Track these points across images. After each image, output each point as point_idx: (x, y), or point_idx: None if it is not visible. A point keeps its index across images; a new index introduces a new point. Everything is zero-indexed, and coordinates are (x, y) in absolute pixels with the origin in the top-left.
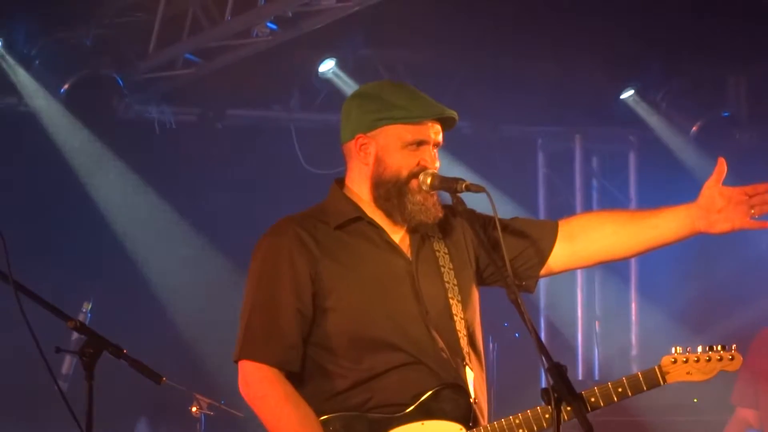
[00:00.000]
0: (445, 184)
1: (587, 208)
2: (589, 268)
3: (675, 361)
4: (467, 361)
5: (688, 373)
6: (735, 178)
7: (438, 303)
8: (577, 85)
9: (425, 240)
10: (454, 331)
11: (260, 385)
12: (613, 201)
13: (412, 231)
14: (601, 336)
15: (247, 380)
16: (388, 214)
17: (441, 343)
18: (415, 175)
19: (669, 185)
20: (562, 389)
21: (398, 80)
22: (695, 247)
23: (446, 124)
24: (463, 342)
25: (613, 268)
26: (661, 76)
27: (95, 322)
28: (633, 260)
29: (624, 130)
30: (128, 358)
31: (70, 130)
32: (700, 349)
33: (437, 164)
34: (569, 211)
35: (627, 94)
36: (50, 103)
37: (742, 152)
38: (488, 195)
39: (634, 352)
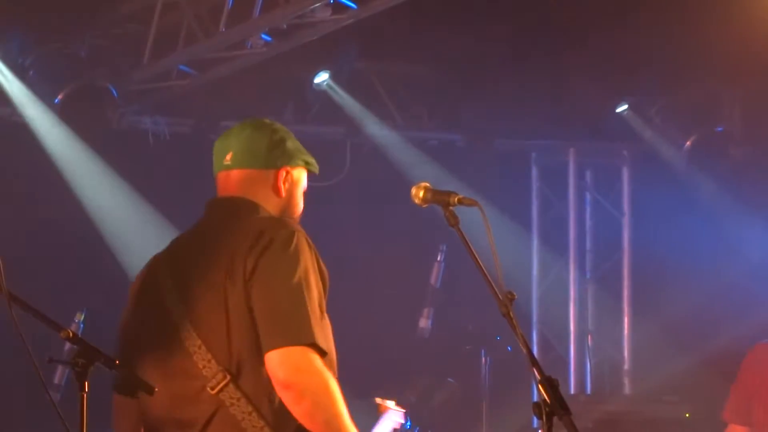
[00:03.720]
0: (438, 197)
1: (580, 221)
2: (582, 283)
3: None
4: None
5: None
6: (729, 193)
7: None
8: (571, 100)
9: None
10: None
11: (326, 373)
12: (606, 215)
13: None
14: (594, 350)
15: (313, 367)
16: None
17: None
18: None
19: (662, 200)
20: (554, 403)
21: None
22: (688, 261)
23: None
24: None
25: (605, 283)
26: (655, 91)
27: (88, 332)
28: (625, 275)
29: (618, 144)
30: (121, 370)
31: (64, 141)
32: None
33: None
34: (563, 225)
35: (621, 109)
36: (44, 113)
37: (735, 167)
38: (481, 209)
39: (626, 366)
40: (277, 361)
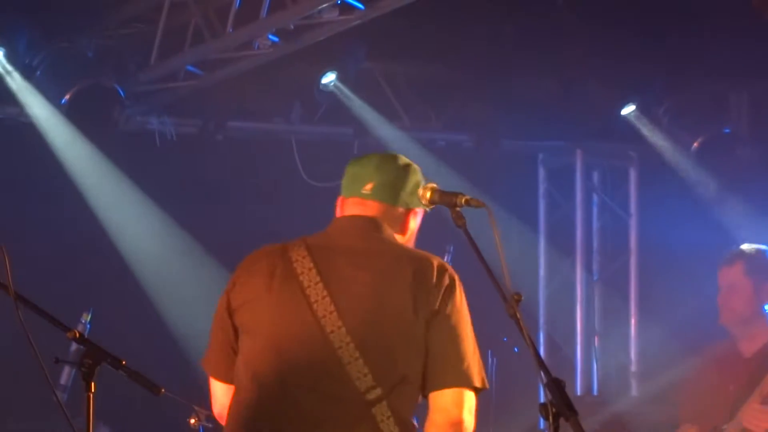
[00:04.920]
0: (445, 198)
1: (587, 223)
2: (589, 284)
3: None
4: None
5: None
6: (736, 194)
7: None
8: (578, 101)
9: None
10: None
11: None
12: (613, 216)
13: None
14: (600, 351)
15: (475, 411)
16: None
17: None
18: None
19: (669, 201)
20: (561, 404)
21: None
22: (695, 262)
23: None
24: None
25: (612, 284)
26: (662, 91)
27: (94, 333)
28: (633, 276)
29: (625, 145)
30: (127, 370)
31: (71, 141)
32: None
33: None
34: (570, 226)
35: (628, 110)
36: (51, 113)
37: (743, 168)
38: (488, 210)
39: (633, 368)
40: (454, 400)
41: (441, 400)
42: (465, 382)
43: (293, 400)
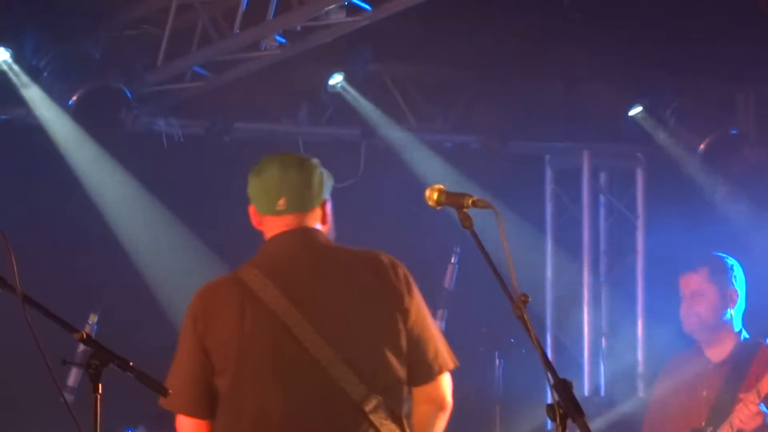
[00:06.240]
0: (452, 199)
1: (595, 224)
2: (596, 285)
3: None
4: None
5: None
6: (743, 195)
7: None
8: (585, 102)
9: None
10: None
11: None
12: (620, 217)
13: None
14: (608, 352)
15: (451, 388)
16: None
17: None
18: None
19: (676, 202)
20: (568, 405)
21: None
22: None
23: None
24: None
25: (619, 285)
26: (669, 93)
27: (101, 334)
28: (639, 277)
29: (632, 146)
30: (135, 371)
31: (78, 142)
32: None
33: None
34: (576, 227)
35: (635, 111)
36: (58, 114)
37: (750, 169)
38: (495, 211)
39: (640, 369)
40: (438, 388)
41: (426, 391)
42: (443, 368)
43: (297, 426)
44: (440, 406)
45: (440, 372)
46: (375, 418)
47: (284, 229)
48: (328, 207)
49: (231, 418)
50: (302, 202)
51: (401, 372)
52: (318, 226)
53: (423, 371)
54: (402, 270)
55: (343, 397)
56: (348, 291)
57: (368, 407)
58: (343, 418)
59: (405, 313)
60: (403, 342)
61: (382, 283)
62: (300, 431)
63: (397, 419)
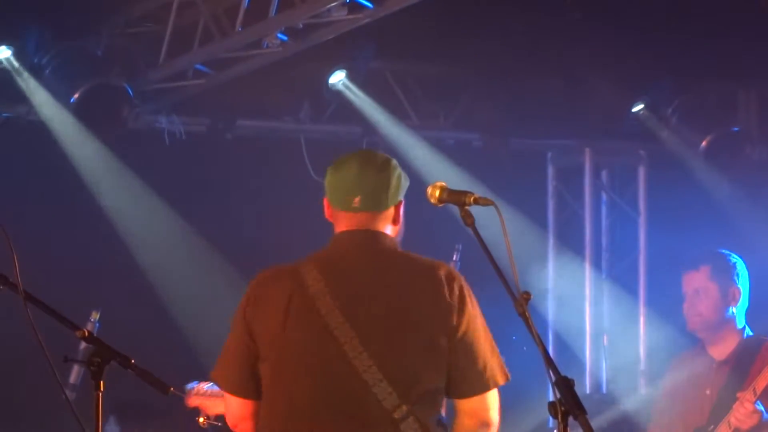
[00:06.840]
0: (454, 197)
1: (596, 221)
2: (598, 282)
3: None
4: None
5: None
6: (745, 193)
7: None
8: (587, 99)
9: None
10: None
11: None
12: (622, 215)
13: None
14: (609, 350)
15: (497, 405)
16: None
17: None
18: None
19: (678, 199)
20: (570, 402)
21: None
22: None
23: None
24: None
25: (621, 282)
26: (671, 90)
27: (103, 331)
28: (641, 274)
29: (634, 144)
30: (136, 368)
31: (80, 140)
32: None
33: None
34: (578, 225)
35: (637, 109)
36: (60, 112)
37: (752, 167)
38: (497, 208)
39: (642, 366)
40: (483, 404)
41: (469, 405)
42: (491, 385)
43: (326, 426)
44: (483, 423)
45: (486, 387)
46: (405, 428)
47: (354, 227)
48: (402, 208)
49: (267, 405)
50: (376, 203)
51: (438, 384)
52: (388, 226)
53: (467, 384)
54: (458, 284)
55: (375, 403)
56: (396, 300)
57: (398, 415)
58: (372, 423)
59: (453, 329)
60: (445, 357)
61: (434, 296)
62: (327, 431)
63: (428, 429)
